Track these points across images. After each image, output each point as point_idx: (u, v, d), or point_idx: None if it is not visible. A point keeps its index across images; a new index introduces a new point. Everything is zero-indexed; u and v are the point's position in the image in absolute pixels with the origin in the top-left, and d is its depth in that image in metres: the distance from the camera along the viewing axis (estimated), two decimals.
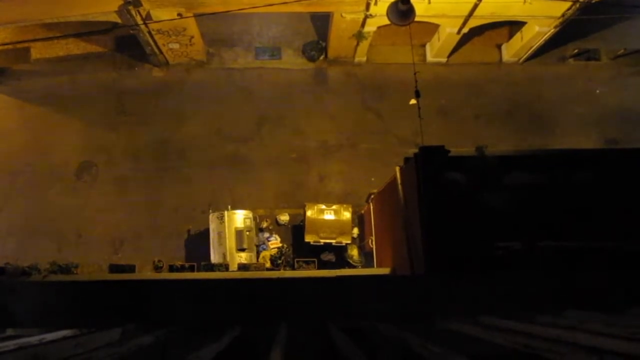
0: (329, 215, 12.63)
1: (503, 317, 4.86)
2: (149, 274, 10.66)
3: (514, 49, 15.11)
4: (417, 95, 9.43)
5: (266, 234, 13.25)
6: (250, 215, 12.48)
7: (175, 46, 14.20)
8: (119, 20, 12.37)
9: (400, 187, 8.50)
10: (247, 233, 12.21)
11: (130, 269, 9.75)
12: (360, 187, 13.59)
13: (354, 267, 12.75)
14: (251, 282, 7.96)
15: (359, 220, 13.45)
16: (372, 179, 13.67)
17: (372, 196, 11.93)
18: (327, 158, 14.27)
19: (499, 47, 15.56)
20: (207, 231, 12.49)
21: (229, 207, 12.44)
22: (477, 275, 6.18)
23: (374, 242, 11.62)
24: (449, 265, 6.73)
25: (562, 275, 5.87)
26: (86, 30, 14.13)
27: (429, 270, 6.92)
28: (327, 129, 14.53)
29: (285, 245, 12.75)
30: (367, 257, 12.70)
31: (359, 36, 13.80)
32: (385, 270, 9.43)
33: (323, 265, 12.19)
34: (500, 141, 14.09)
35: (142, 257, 12.63)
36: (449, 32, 13.81)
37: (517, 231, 6.94)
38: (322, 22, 14.84)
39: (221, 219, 12.17)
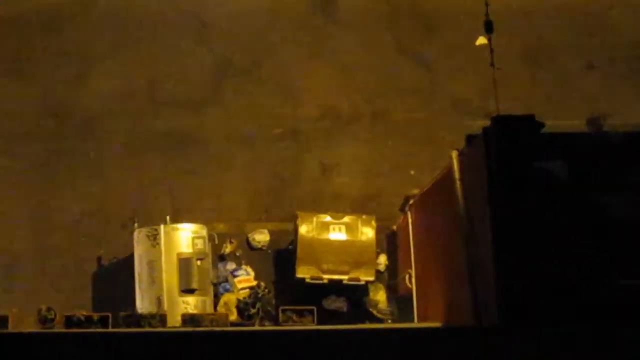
0: (337, 234, 12.71)
1: None
2: (30, 331, 10.74)
3: None
4: (489, 29, 9.51)
5: (231, 265, 13.32)
6: (204, 232, 12.54)
7: None
8: None
9: (458, 184, 8.60)
10: (199, 263, 12.28)
11: None
12: (390, 186, 13.67)
13: (381, 321, 12.81)
14: (205, 344, 8.04)
15: (389, 241, 13.54)
16: (412, 172, 13.75)
17: (412, 201, 12.01)
18: (334, 136, 14.35)
19: None
20: (130, 260, 12.60)
21: (168, 218, 12.53)
22: (587, 329, 6.28)
23: (413, 279, 11.70)
24: (539, 312, 6.83)
25: None
26: None
27: (506, 321, 7.02)
28: (336, 87, 14.61)
29: (262, 285, 12.82)
30: (401, 305, 12.79)
31: None
32: (432, 325, 9.57)
33: (327, 318, 12.12)
34: (631, 108, 14.14)
35: (19, 303, 12.54)
36: None
37: None
38: None
39: (154, 239, 12.24)
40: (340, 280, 12.59)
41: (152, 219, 12.74)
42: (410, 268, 11.82)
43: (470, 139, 8.49)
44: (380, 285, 13.18)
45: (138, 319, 10.47)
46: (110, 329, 10.09)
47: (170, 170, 14.00)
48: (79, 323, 10.29)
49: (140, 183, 13.93)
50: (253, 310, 12.07)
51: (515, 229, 7.34)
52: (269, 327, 12.04)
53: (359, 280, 12.62)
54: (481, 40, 9.63)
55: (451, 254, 9.19)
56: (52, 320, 11.01)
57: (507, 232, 7.35)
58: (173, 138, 14.18)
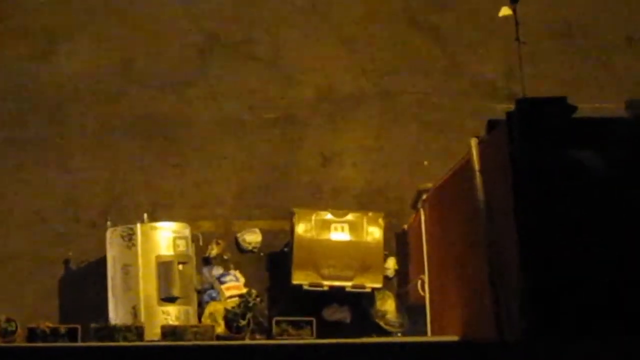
0: (339, 234, 12.76)
1: None
2: None
3: None
4: None
5: (217, 270, 13.38)
6: (187, 232, 12.58)
7: None
8: None
9: (478, 176, 8.60)
10: (181, 267, 12.30)
11: None
12: (400, 179, 13.73)
13: (389, 333, 12.87)
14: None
15: (399, 242, 13.58)
16: (425, 163, 13.82)
17: (425, 196, 12.01)
18: (336, 122, 14.36)
19: None
20: (101, 263, 12.62)
21: (145, 216, 12.58)
22: (625, 343, 6.25)
23: (426, 286, 11.68)
24: (569, 324, 6.85)
25: None
26: None
27: (532, 334, 7.02)
28: (338, 65, 14.63)
29: (254, 292, 12.71)
30: (413, 316, 12.84)
31: None
32: (448, 338, 9.55)
33: (328, 330, 12.24)
34: None
35: None
36: None
37: None
38: None
39: (130, 239, 12.25)
40: (343, 287, 12.61)
41: (127, 217, 12.81)
42: (423, 273, 11.76)
43: (491, 124, 8.43)
44: (389, 293, 13.24)
45: (111, 332, 10.52)
46: (79, 343, 10.13)
47: (148, 161, 14.03)
48: (44, 336, 10.33)
49: (114, 175, 13.93)
50: (243, 322, 12.06)
51: (542, 227, 7.33)
52: (261, 340, 12.08)
53: (364, 287, 12.64)
54: (505, 11, 9.55)
55: (470, 257, 9.19)
56: (13, 332, 11.03)
57: (533, 231, 7.33)
58: (151, 123, 14.20)
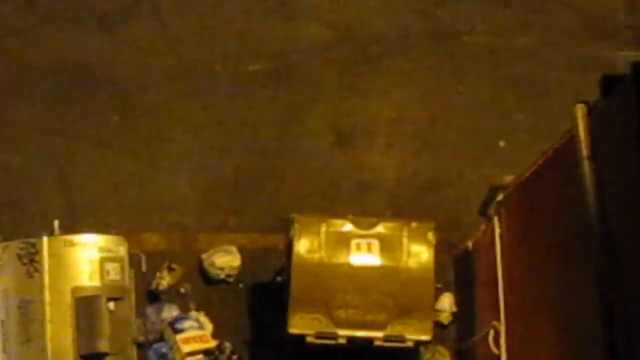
0: (364, 256, 12.82)
1: None
2: None
3: None
4: None
5: (170, 311, 13.46)
6: (122, 251, 12.54)
7: None
8: None
9: (586, 166, 8.46)
10: (112, 306, 12.27)
11: None
12: (461, 168, 13.88)
13: None
14: None
15: (460, 269, 13.71)
16: (501, 144, 13.90)
17: (502, 197, 12.03)
18: (361, 76, 14.47)
19: None
20: None
21: (56, 225, 12.53)
22: None
23: (503, 339, 11.68)
24: None
25: None
26: None
27: None
28: None
29: (228, 347, 13.02)
30: None
31: None
32: None
33: None
34: None
35: None
36: None
37: None
38: None
39: (30, 261, 12.22)
40: (371, 341, 12.64)
41: (27, 226, 12.91)
42: (498, 319, 11.81)
43: (609, 82, 8.24)
44: (443, 351, 13.39)
45: None
46: None
47: (60, 136, 14.12)
48: None
49: (4, 160, 14.03)
50: None
51: None
52: None
53: (404, 340, 12.64)
54: None
55: (574, 294, 9.15)
56: None
57: None
58: (63, 76, 14.31)
